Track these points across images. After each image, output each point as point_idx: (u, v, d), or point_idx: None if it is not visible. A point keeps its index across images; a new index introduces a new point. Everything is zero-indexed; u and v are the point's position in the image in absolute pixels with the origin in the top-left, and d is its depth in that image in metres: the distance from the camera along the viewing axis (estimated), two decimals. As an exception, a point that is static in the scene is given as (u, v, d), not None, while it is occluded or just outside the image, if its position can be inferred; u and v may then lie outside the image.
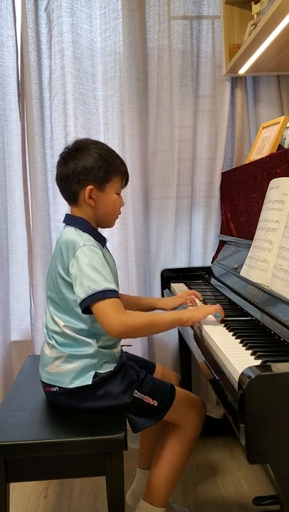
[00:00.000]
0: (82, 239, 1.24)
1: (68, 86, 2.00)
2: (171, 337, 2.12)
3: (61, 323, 1.26)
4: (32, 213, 2.00)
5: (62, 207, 2.03)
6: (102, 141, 1.39)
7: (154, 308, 1.54)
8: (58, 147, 2.03)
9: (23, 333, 2.13)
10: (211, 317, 1.30)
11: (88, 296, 1.17)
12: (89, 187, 1.28)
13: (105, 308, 1.17)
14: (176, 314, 1.29)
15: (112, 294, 1.18)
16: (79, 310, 1.23)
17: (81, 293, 1.18)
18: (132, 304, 1.53)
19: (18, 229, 2.08)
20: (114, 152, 1.34)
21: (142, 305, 1.54)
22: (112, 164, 1.30)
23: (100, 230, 1.38)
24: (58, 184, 1.34)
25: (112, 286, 1.19)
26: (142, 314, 1.26)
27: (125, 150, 2.01)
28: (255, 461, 0.83)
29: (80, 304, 1.19)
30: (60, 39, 1.99)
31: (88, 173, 1.27)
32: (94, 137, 1.91)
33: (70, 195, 1.32)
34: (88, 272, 1.19)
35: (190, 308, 1.40)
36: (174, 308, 1.50)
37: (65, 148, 1.34)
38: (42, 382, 1.32)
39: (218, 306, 1.31)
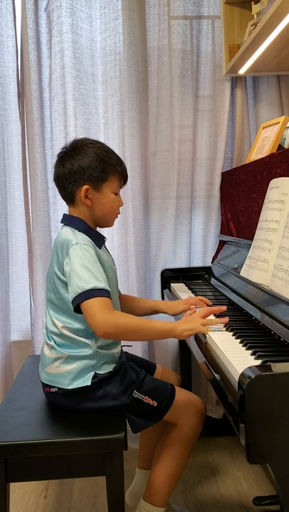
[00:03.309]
0: (75, 237, 1.24)
1: (68, 86, 2.00)
2: (171, 337, 2.12)
3: (59, 325, 1.26)
4: (32, 213, 2.00)
5: (62, 207, 2.03)
6: (102, 141, 1.38)
7: (157, 311, 1.52)
8: (58, 147, 2.01)
9: (23, 333, 2.13)
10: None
11: (77, 295, 1.17)
12: (85, 187, 1.27)
13: (93, 306, 1.16)
14: (168, 325, 1.24)
15: (101, 293, 1.17)
16: None
17: (71, 291, 1.18)
18: (133, 305, 1.53)
19: (18, 229, 2.08)
20: (111, 152, 1.33)
21: (143, 307, 1.53)
22: (109, 164, 1.29)
23: (100, 229, 1.38)
24: (55, 184, 1.34)
25: (102, 285, 1.18)
26: (132, 317, 1.23)
27: (125, 150, 2.01)
28: (255, 461, 0.83)
29: (72, 302, 1.19)
30: (60, 39, 1.99)
31: (84, 172, 1.27)
32: (94, 137, 1.91)
33: (67, 195, 1.32)
34: (78, 270, 1.18)
35: (186, 319, 1.28)
36: (177, 314, 1.47)
37: (62, 148, 1.34)
38: (42, 382, 1.32)
39: (216, 321, 1.24)
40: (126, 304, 1.52)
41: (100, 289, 1.18)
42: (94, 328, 1.17)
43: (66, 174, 1.29)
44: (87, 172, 1.27)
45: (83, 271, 1.18)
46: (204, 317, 1.26)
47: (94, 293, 1.17)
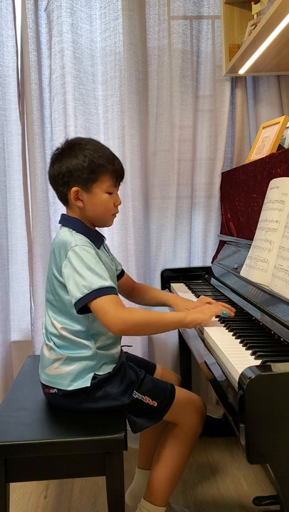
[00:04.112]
0: (74, 239, 1.23)
1: (68, 86, 2.00)
2: (171, 337, 2.12)
3: (58, 326, 1.26)
4: (32, 213, 2.00)
5: (62, 207, 1.98)
6: (102, 141, 1.37)
7: (164, 304, 1.51)
8: (58, 147, 2.03)
9: (23, 333, 2.13)
10: (213, 318, 1.28)
11: (84, 296, 1.16)
12: (74, 188, 1.27)
13: (104, 305, 1.16)
14: (178, 315, 1.27)
15: (109, 291, 1.17)
16: (75, 311, 1.23)
17: (77, 293, 1.17)
18: (141, 297, 1.55)
19: (18, 229, 2.08)
20: (103, 150, 1.30)
21: (154, 298, 1.54)
22: (98, 164, 1.26)
23: (99, 229, 1.38)
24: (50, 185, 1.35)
25: (108, 283, 1.18)
26: (144, 311, 1.24)
27: (125, 150, 2.01)
28: (255, 461, 0.83)
29: (76, 304, 1.18)
30: (60, 39, 1.99)
31: (71, 174, 1.26)
32: (94, 137, 1.91)
33: (61, 197, 1.32)
34: (82, 271, 1.18)
35: (196, 309, 1.32)
36: None
37: (55, 150, 1.33)
38: (41, 383, 1.32)
39: (222, 304, 1.30)
40: (140, 295, 1.54)
41: (107, 287, 1.17)
42: (109, 326, 1.16)
43: (56, 177, 1.29)
44: (74, 174, 1.26)
45: (87, 272, 1.18)
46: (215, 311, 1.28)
47: (101, 292, 1.16)
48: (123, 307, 1.19)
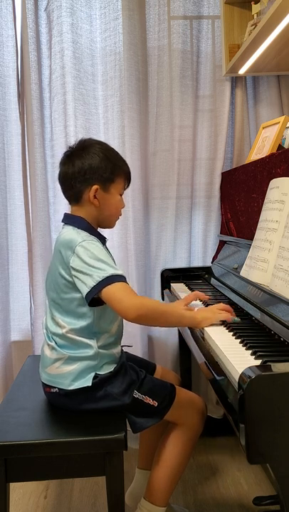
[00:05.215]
0: (79, 236, 1.24)
1: (68, 86, 2.00)
2: (171, 337, 2.12)
3: (64, 327, 1.25)
4: (32, 213, 2.00)
5: (62, 207, 2.03)
6: (102, 141, 1.39)
7: None
8: (58, 147, 2.03)
9: (23, 333, 2.13)
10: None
11: (97, 283, 1.16)
12: (94, 186, 1.28)
13: (116, 292, 1.16)
14: (189, 312, 1.27)
15: (121, 279, 1.18)
16: (81, 309, 1.23)
17: (90, 282, 1.17)
18: None
19: (18, 229, 2.08)
20: (117, 153, 1.35)
21: None
22: (117, 165, 1.31)
23: (100, 230, 1.38)
24: (60, 183, 1.33)
25: (120, 272, 1.19)
26: (157, 302, 1.25)
27: (125, 150, 2.01)
28: (255, 461, 0.83)
29: (88, 294, 1.17)
30: (60, 39, 1.99)
31: (94, 172, 1.27)
32: (94, 137, 1.91)
33: (74, 195, 1.31)
34: (92, 262, 1.18)
35: (204, 308, 1.35)
36: None
37: (69, 147, 1.34)
38: (42, 382, 1.32)
39: (229, 309, 1.29)
40: None
41: (119, 275, 1.18)
42: (123, 312, 1.17)
43: (76, 173, 1.28)
44: (97, 172, 1.27)
45: (97, 262, 1.18)
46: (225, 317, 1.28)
47: (114, 279, 1.17)
48: (135, 294, 1.20)
